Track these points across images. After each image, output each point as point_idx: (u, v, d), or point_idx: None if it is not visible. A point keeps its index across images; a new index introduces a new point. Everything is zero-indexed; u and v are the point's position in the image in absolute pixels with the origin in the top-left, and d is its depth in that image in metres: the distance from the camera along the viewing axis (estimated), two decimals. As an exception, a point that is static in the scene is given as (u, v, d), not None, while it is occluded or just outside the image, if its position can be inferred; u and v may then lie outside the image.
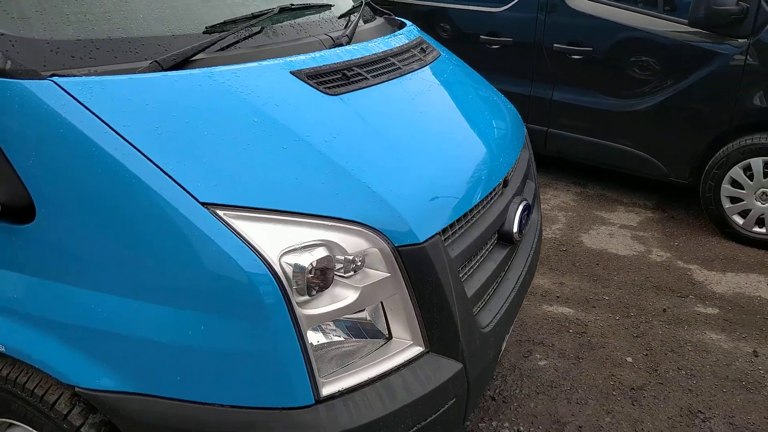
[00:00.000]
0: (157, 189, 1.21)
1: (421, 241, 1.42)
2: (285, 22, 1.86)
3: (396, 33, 2.25)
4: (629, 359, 2.96)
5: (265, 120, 1.40)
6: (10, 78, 1.23)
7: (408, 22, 2.55)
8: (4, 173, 1.25)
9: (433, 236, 1.45)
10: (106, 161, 1.21)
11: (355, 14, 2.16)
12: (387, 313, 1.45)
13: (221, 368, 1.26)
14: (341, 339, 1.41)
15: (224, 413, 1.28)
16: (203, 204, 1.22)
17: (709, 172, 4.23)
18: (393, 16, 2.57)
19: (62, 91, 1.24)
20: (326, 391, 1.32)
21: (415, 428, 1.43)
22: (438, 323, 1.48)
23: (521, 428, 2.52)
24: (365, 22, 2.26)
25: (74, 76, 1.28)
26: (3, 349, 1.37)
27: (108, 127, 1.23)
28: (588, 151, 4.80)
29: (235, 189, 1.26)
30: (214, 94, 1.39)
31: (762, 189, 4.05)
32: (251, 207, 1.25)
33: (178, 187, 1.21)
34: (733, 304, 3.47)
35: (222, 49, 1.60)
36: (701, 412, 2.62)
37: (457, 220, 1.60)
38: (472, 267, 1.70)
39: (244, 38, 1.66)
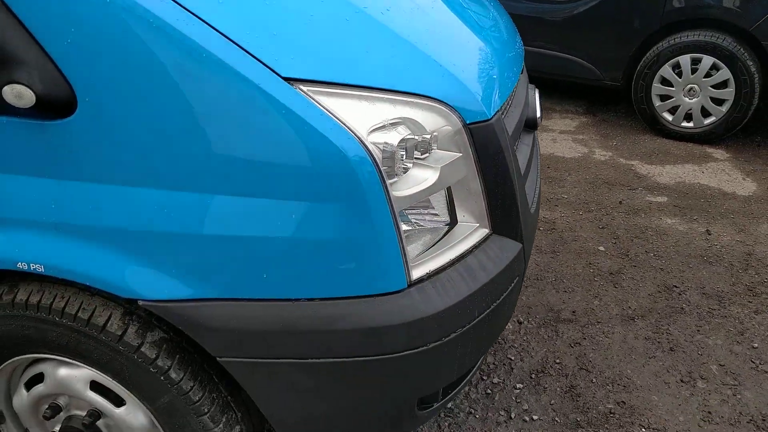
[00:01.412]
0: (230, 63, 1.04)
1: (490, 117, 1.35)
2: None
3: None
4: (601, 248, 3.10)
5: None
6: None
7: None
8: (37, 59, 1.04)
9: (496, 113, 1.38)
10: (166, 34, 1.03)
11: None
12: (454, 197, 1.38)
13: (313, 259, 1.15)
14: (413, 225, 1.34)
15: (316, 307, 1.18)
16: (285, 79, 1.07)
17: (641, 72, 4.41)
18: None
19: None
20: (415, 274, 1.25)
21: (492, 307, 1.40)
22: (501, 204, 1.43)
23: (521, 319, 2.59)
24: None
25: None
26: (42, 269, 1.18)
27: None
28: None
29: (314, 63, 1.12)
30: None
31: (690, 85, 4.29)
32: (333, 82, 1.12)
33: (256, 60, 1.06)
34: (678, 191, 3.71)
35: None
36: (676, 287, 2.81)
37: (506, 100, 1.54)
38: (515, 149, 1.66)
39: None
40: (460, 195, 1.38)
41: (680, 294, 2.76)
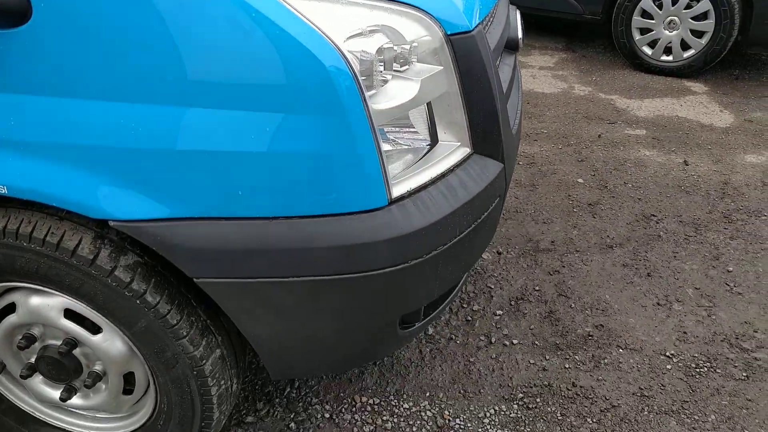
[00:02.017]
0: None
1: (471, 28, 1.29)
2: None
3: None
4: (580, 180, 3.11)
5: None
6: None
7: None
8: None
9: (477, 25, 1.33)
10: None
11: None
12: (434, 114, 1.34)
13: (289, 175, 1.11)
14: (394, 144, 1.30)
15: (294, 225, 1.15)
16: (256, -21, 1.01)
17: (621, 5, 4.34)
18: None
19: None
20: (396, 192, 1.22)
21: (473, 225, 1.39)
22: (483, 123, 1.40)
23: (500, 250, 2.60)
24: None
25: None
26: (5, 191, 1.13)
27: None
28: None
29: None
30: None
31: (670, 17, 4.23)
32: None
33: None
34: (656, 124, 3.70)
35: None
36: (653, 216, 2.83)
37: (489, 14, 1.48)
38: (497, 67, 1.62)
39: None
40: (440, 112, 1.35)
41: (657, 222, 2.79)
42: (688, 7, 4.14)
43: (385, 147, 1.23)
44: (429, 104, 1.32)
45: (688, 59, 4.28)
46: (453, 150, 1.38)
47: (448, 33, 1.25)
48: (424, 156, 1.33)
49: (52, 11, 1.00)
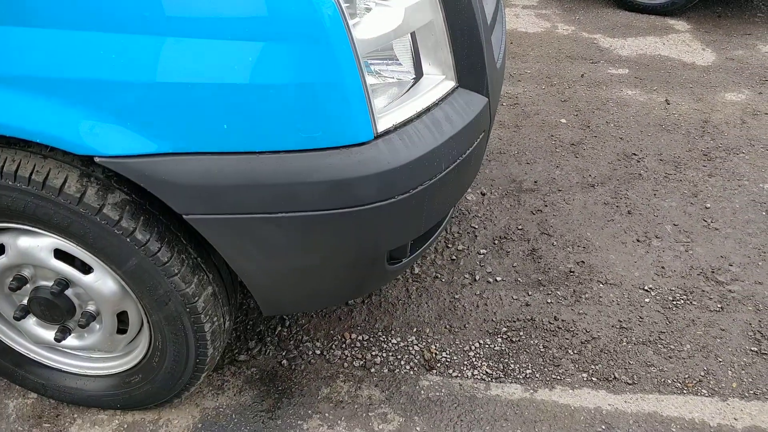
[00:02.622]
0: None
1: (453, -44, 1.27)
2: None
3: None
4: (563, 120, 3.12)
5: None
6: None
7: None
8: None
9: (460, -47, 1.31)
10: None
11: None
12: (419, 46, 1.33)
13: (274, 108, 1.11)
14: (379, 77, 1.29)
15: (281, 160, 1.15)
16: None
17: (605, -60, 4.26)
18: None
19: None
20: (381, 126, 1.22)
21: (459, 160, 1.40)
22: (467, 55, 1.39)
23: (483, 190, 2.62)
24: None
25: None
26: (-17, 128, 1.11)
27: None
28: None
29: None
30: None
31: (654, -48, 4.17)
32: None
33: None
34: (639, 63, 3.70)
35: None
36: (635, 155, 2.86)
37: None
38: (480, -1, 1.60)
39: None
40: (425, 44, 1.34)
41: (638, 161, 2.82)
42: (673, -58, 4.08)
43: (370, 80, 1.22)
44: (413, 35, 1.30)
45: (672, -3, 4.24)
46: (438, 83, 1.38)
47: (432, -37, 1.23)
48: (409, 89, 1.33)
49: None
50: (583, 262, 2.27)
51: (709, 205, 2.55)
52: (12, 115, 1.09)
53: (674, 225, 2.45)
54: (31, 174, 1.19)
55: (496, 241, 2.36)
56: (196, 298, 1.33)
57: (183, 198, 1.17)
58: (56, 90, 1.07)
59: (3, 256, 1.38)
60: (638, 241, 2.37)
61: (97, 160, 1.13)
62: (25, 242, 1.34)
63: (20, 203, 1.23)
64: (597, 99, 3.31)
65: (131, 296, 1.40)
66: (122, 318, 1.47)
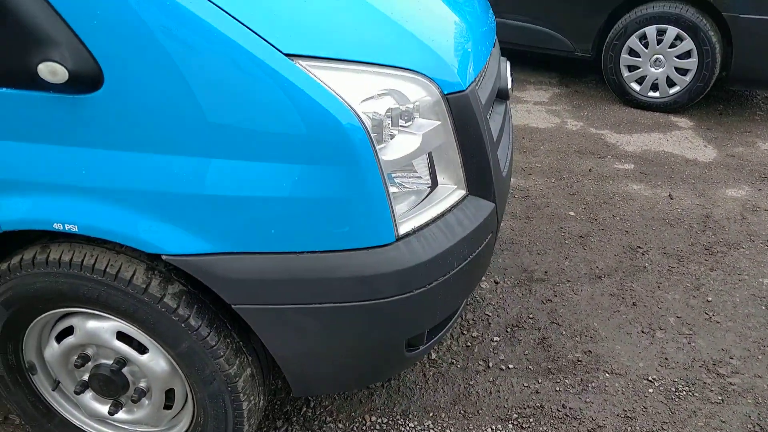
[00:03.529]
0: (238, 41, 1.20)
1: (465, 88, 1.52)
2: None
3: None
4: (571, 213, 3.32)
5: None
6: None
7: None
8: (68, 40, 1.18)
9: (470, 84, 1.56)
10: (180, 14, 1.18)
11: None
12: (434, 161, 1.56)
13: (313, 216, 1.33)
14: (400, 187, 1.52)
15: (317, 259, 1.36)
16: (287, 55, 1.23)
17: (610, 43, 4.61)
18: None
19: (120, -53, 1.17)
20: (402, 230, 1.44)
21: (469, 258, 1.59)
22: (476, 168, 1.61)
23: (497, 279, 2.80)
24: None
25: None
26: (76, 229, 1.34)
27: (178, -16, 1.18)
28: (498, 32, 4.99)
29: (310, 40, 1.28)
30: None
31: (656, 55, 4.49)
32: (328, 57, 1.29)
33: (260, 39, 1.22)
34: (644, 159, 3.93)
35: None
36: (639, 248, 3.04)
37: (480, 72, 1.71)
38: (488, 117, 1.84)
39: None
40: (440, 160, 1.56)
41: (643, 254, 2.99)
42: (672, 46, 4.40)
43: (393, 189, 1.44)
44: (430, 153, 1.53)
45: (674, 95, 4.53)
46: (451, 192, 1.60)
47: (445, 93, 1.48)
48: (426, 197, 1.55)
49: (119, 85, 1.23)
50: (590, 351, 2.40)
51: (710, 299, 2.69)
52: (99, 219, 1.32)
53: (677, 317, 2.59)
54: (105, 267, 1.41)
55: (509, 329, 2.51)
56: (237, 379, 1.51)
57: (233, 290, 1.38)
58: (134, 200, 1.31)
59: (71, 336, 1.59)
60: (643, 332, 2.51)
61: (164, 257, 1.34)
62: (92, 325, 1.55)
63: (95, 292, 1.44)
64: (604, 193, 3.52)
65: (180, 375, 1.58)
66: (169, 395, 1.65)
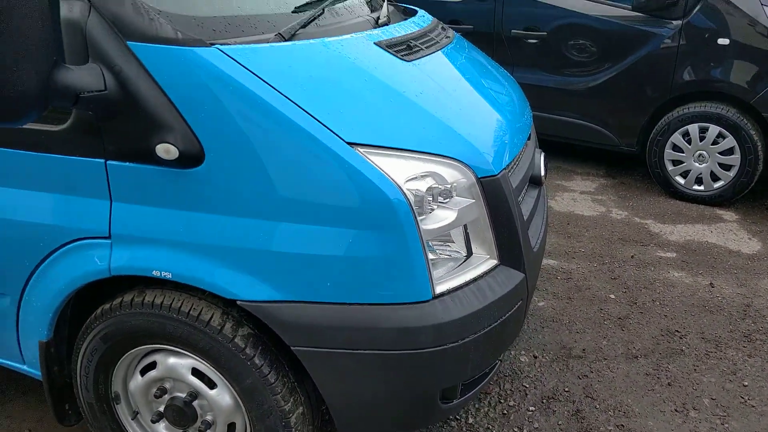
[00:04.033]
0: (311, 131, 1.52)
1: (496, 173, 1.79)
2: (338, 4, 2.18)
3: (419, 15, 2.61)
4: (612, 296, 3.45)
5: (372, 79, 1.74)
6: (182, 46, 1.51)
7: (418, 9, 2.91)
8: (180, 127, 1.53)
9: (502, 170, 1.82)
10: (267, 109, 1.52)
11: (379, 0, 2.52)
12: (469, 234, 1.81)
13: (362, 274, 1.59)
14: (438, 254, 1.76)
15: (364, 310, 1.61)
16: (349, 143, 1.54)
17: (654, 139, 4.83)
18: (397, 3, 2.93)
19: (225, 55, 1.53)
20: (438, 289, 1.67)
21: (499, 321, 1.80)
22: (507, 241, 1.85)
23: (536, 354, 2.94)
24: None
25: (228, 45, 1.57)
26: (170, 276, 1.64)
27: (264, 83, 1.53)
28: (546, 126, 5.28)
29: (368, 132, 1.59)
30: (333, 58, 1.72)
31: (699, 151, 4.67)
32: (381, 146, 1.59)
33: (328, 130, 1.53)
34: (686, 249, 4.04)
35: (304, 26, 1.88)
36: (678, 332, 3.13)
37: (513, 160, 1.98)
38: (520, 200, 2.09)
39: (319, 15, 1.93)
40: (474, 232, 1.81)
41: (681, 338, 3.08)
42: (715, 143, 4.58)
43: (431, 256, 1.69)
44: (465, 226, 1.79)
45: (719, 189, 4.66)
46: (484, 261, 1.83)
47: (479, 176, 1.75)
48: (461, 264, 1.79)
49: (216, 162, 1.56)
50: (623, 425, 2.49)
51: (747, 383, 2.75)
52: (189, 268, 1.63)
53: (712, 399, 2.65)
54: (189, 310, 1.69)
55: (545, 401, 2.64)
56: (291, 415, 1.74)
57: (293, 334, 1.63)
58: (217, 254, 1.61)
59: (154, 370, 1.86)
60: (676, 411, 2.58)
61: (238, 302, 1.62)
62: (172, 361, 1.82)
63: (179, 330, 1.72)
64: (645, 278, 3.64)
65: (241, 410, 1.81)
66: (230, 428, 1.87)
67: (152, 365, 1.87)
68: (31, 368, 2.00)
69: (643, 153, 5.01)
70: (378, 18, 2.27)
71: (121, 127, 1.56)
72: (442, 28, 2.58)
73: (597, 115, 5.06)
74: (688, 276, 3.68)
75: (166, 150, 1.55)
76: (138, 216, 1.65)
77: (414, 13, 2.69)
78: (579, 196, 4.92)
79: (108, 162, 1.62)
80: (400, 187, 1.57)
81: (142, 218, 1.65)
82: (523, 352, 2.96)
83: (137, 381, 1.90)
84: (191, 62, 1.51)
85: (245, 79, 1.52)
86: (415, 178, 1.62)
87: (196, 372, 1.82)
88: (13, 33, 1.27)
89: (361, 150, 1.56)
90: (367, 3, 2.45)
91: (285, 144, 1.53)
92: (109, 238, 1.68)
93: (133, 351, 1.86)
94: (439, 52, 2.21)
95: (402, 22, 2.36)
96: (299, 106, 1.54)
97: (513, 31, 5.17)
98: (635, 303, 3.38)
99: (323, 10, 1.96)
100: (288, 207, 1.56)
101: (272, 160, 1.54)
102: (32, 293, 1.82)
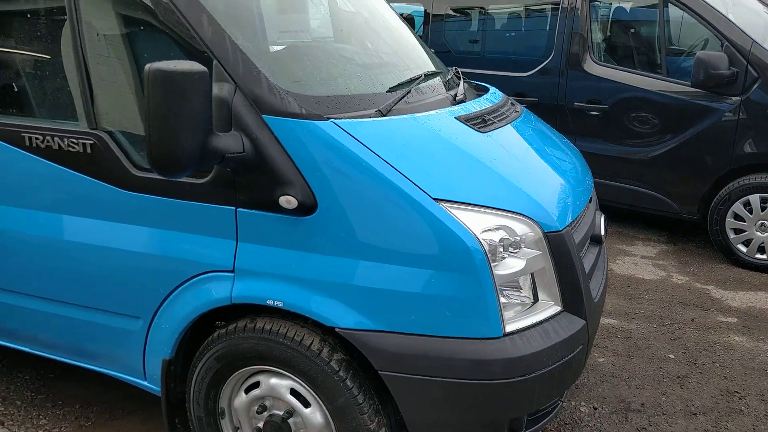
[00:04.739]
0: (404, 189, 1.85)
1: (560, 229, 2.05)
2: (422, 84, 2.55)
3: (491, 92, 2.95)
4: (671, 356, 3.57)
5: (454, 148, 2.08)
6: (305, 119, 1.89)
7: (489, 86, 3.25)
8: (299, 183, 1.89)
9: (566, 227, 2.09)
10: (369, 170, 1.86)
11: (455, 79, 2.88)
12: (536, 282, 2.06)
13: (442, 310, 1.87)
14: (509, 299, 2.02)
15: (443, 342, 1.88)
16: (435, 199, 1.86)
17: (715, 208, 4.95)
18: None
19: (338, 127, 1.90)
20: (508, 329, 1.93)
21: (561, 361, 2.03)
22: (570, 290, 2.09)
23: (595, 405, 3.09)
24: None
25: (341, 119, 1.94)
26: (281, 304, 1.97)
27: (370, 150, 1.88)
28: (609, 193, 5.46)
29: (450, 190, 1.91)
30: (422, 130, 2.08)
31: (761, 221, 4.76)
32: (461, 201, 1.90)
33: (418, 188, 1.86)
34: (748, 315, 4.11)
35: (396, 103, 2.24)
36: (737, 392, 3.22)
37: (575, 219, 2.25)
38: (582, 254, 2.34)
39: (406, 94, 2.29)
40: (540, 281, 2.07)
41: (740, 398, 3.16)
42: (778, 213, 4.67)
43: (503, 300, 1.96)
44: (532, 274, 2.05)
45: (782, 259, 4.71)
46: (549, 306, 2.08)
47: (545, 231, 2.02)
48: (528, 308, 2.04)
49: (326, 212, 1.90)
50: (681, 477, 2.61)
51: (807, 444, 2.81)
52: (297, 299, 1.96)
53: (771, 457, 2.73)
54: (294, 335, 2.00)
55: (603, 450, 2.78)
56: (375, 434, 2.00)
57: (381, 359, 1.92)
58: (321, 288, 1.93)
59: (258, 389, 2.16)
60: (735, 466, 2.67)
61: (336, 330, 1.93)
62: (274, 381, 2.12)
63: (283, 353, 2.03)
64: (705, 341, 3.74)
65: (330, 427, 2.08)
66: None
67: (255, 385, 2.17)
68: (151, 383, 2.34)
69: (705, 221, 5.12)
70: (455, 95, 2.62)
71: (253, 182, 1.94)
72: (512, 103, 2.92)
73: (658, 183, 5.23)
74: (749, 340, 3.75)
75: (288, 201, 1.90)
76: (258, 254, 2.00)
77: (486, 90, 3.04)
78: (640, 261, 5.05)
79: (238, 209, 1.99)
80: (476, 237, 1.86)
81: (261, 256, 2.00)
82: (583, 403, 3.11)
83: (242, 398, 2.21)
84: (312, 132, 1.89)
85: (353, 146, 1.88)
86: (490, 229, 1.91)
87: (293, 392, 2.11)
88: (188, 108, 1.67)
89: (445, 204, 1.87)
90: (445, 83, 2.81)
91: (383, 198, 1.86)
92: (233, 272, 2.03)
93: (241, 371, 2.17)
94: (510, 125, 2.53)
95: (477, 99, 2.70)
96: (395, 168, 1.87)
97: (576, 103, 5.48)
98: (695, 363, 3.48)
99: (411, 90, 2.32)
100: (382, 250, 1.88)
101: (371, 212, 1.87)
102: (163, 317, 2.18)
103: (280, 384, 2.12)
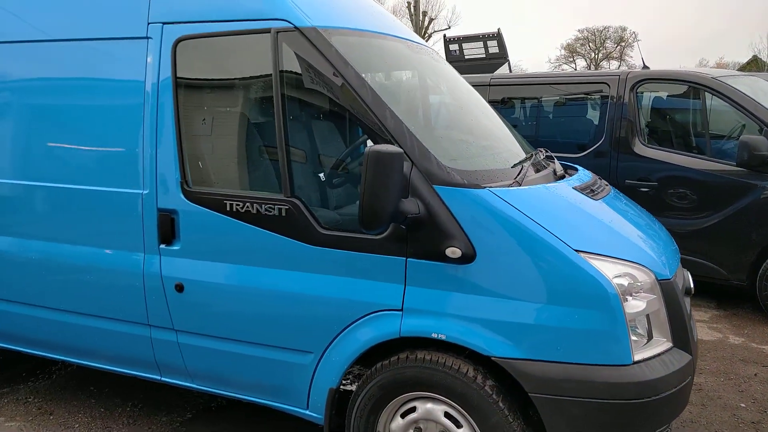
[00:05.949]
0: (550, 242, 2.32)
1: (669, 277, 2.50)
2: (527, 162, 3.06)
3: (582, 170, 3.46)
4: (742, 405, 3.88)
5: (581, 210, 2.57)
6: (467, 188, 2.39)
7: (577, 166, 3.74)
8: (461, 237, 2.37)
9: (672, 276, 2.54)
10: (520, 227, 2.34)
11: (548, 159, 3.40)
12: (651, 322, 2.48)
13: (584, 342, 2.29)
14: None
15: (584, 368, 2.29)
16: (576, 250, 2.33)
17: (763, 275, 5.33)
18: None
19: (493, 194, 2.39)
20: (636, 357, 2.34)
21: (675, 389, 2.42)
22: (678, 328, 2.51)
23: (681, 447, 3.40)
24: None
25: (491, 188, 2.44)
26: (444, 337, 2.40)
27: (520, 212, 2.37)
28: (659, 261, 5.88)
29: (586, 243, 2.38)
30: (554, 196, 2.58)
31: (807, 285, 5.13)
32: (597, 253, 2.36)
33: (562, 242, 2.33)
34: (807, 371, 4.42)
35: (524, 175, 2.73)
36: (809, 437, 3.52)
37: (677, 271, 2.69)
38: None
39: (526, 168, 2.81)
40: (654, 320, 2.49)
41: (814, 442, 3.46)
42: (826, 277, 5.04)
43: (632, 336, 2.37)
44: (648, 315, 2.47)
45: (832, 322, 5.03)
46: (661, 343, 2.49)
47: (659, 279, 2.46)
48: (645, 344, 2.45)
49: (484, 260, 2.36)
50: (772, 508, 2.90)
51: None
52: (458, 332, 2.39)
53: None
54: (452, 364, 2.42)
55: (695, 486, 3.08)
56: (522, 450, 2.37)
57: (530, 383, 2.33)
58: (480, 323, 2.37)
59: (414, 413, 2.55)
60: (820, 499, 2.96)
61: (492, 358, 2.35)
62: (429, 406, 2.52)
63: (442, 380, 2.44)
64: (771, 393, 4.05)
65: (480, 446, 2.46)
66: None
67: (411, 410, 2.57)
68: (313, 411, 2.73)
69: (753, 287, 5.49)
70: (555, 171, 3.13)
71: (424, 237, 2.42)
72: (600, 179, 3.43)
73: (708, 252, 5.63)
74: (812, 394, 4.06)
75: (453, 251, 2.37)
76: (424, 295, 2.45)
77: (575, 168, 3.55)
78: (695, 324, 5.40)
79: (408, 259, 2.46)
80: (611, 281, 2.31)
81: (426, 297, 2.45)
82: (669, 445, 3.42)
83: (398, 422, 2.59)
84: (472, 198, 2.39)
85: (506, 209, 2.37)
86: (619, 276, 2.36)
87: (446, 414, 2.50)
88: (392, 179, 2.18)
89: (584, 255, 2.33)
90: (543, 161, 3.33)
91: (532, 250, 2.33)
92: (401, 310, 2.48)
93: (399, 398, 2.57)
94: (608, 195, 3.03)
95: (576, 174, 3.21)
96: (542, 226, 2.35)
97: (627, 181, 5.98)
98: (765, 411, 3.79)
99: (527, 166, 2.83)
100: (531, 291, 2.33)
101: (523, 260, 2.34)
102: (333, 351, 2.61)
103: (435, 408, 2.51)
